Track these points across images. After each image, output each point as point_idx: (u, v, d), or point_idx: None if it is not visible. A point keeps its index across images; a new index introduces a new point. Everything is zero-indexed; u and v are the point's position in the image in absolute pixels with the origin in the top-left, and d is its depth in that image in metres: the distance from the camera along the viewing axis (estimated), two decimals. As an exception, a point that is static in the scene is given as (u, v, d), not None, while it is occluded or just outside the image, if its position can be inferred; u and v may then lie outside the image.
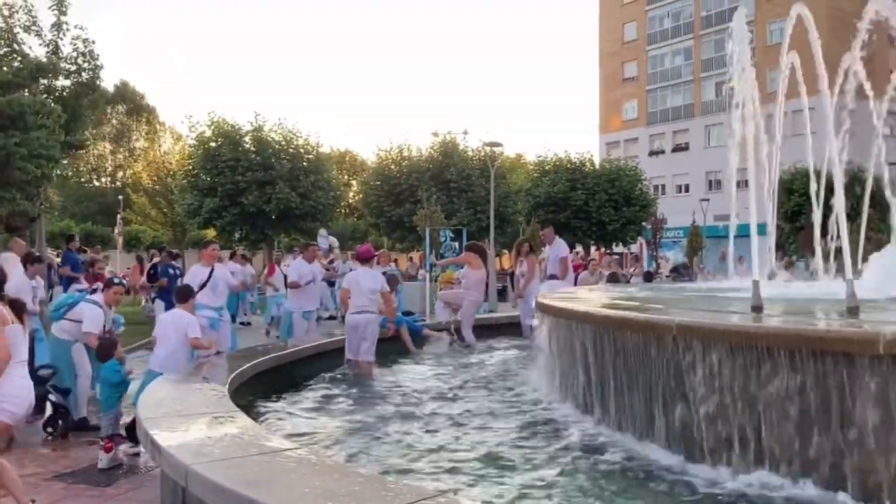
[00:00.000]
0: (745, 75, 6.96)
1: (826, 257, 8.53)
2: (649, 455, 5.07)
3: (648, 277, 17.42)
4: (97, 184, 70.29)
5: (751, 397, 4.45)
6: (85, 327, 8.01)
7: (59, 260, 16.99)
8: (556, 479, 4.74)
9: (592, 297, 7.69)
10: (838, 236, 6.43)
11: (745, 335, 4.46)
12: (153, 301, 15.03)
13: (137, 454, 7.01)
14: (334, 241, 22.31)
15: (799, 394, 4.22)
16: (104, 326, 8.16)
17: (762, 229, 8.80)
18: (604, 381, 5.73)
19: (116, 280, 9.10)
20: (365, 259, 9.83)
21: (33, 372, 7.70)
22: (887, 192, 8.76)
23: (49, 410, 8.14)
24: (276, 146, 35.22)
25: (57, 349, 8.44)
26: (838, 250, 9.06)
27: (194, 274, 10.07)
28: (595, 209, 39.93)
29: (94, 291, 9.08)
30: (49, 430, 7.94)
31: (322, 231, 23.63)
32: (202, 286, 9.61)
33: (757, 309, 5.29)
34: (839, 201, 5.88)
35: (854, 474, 4.05)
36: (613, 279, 13.79)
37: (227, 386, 5.87)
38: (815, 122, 9.58)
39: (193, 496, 3.76)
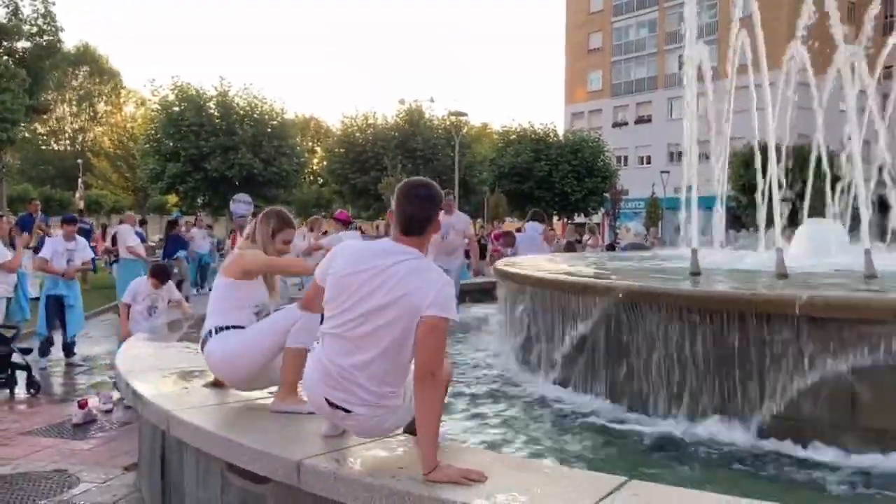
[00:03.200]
0: (691, 54, 7.32)
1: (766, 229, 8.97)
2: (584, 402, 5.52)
3: (611, 248, 17.93)
4: (56, 147, 69.03)
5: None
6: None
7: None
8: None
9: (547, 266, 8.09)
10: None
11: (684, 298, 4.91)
12: (111, 265, 15.15)
13: (110, 410, 7.31)
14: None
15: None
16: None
17: (710, 202, 9.26)
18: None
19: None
20: (346, 223, 10.57)
21: None
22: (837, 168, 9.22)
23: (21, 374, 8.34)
24: (241, 112, 35.02)
25: None
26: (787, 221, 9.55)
27: None
28: (558, 180, 40.46)
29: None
30: (32, 391, 8.17)
31: (242, 196, 23.25)
32: None
33: (695, 274, 5.73)
34: (772, 174, 6.32)
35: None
36: (570, 249, 14.22)
37: (200, 343, 6.17)
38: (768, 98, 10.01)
39: (173, 439, 4.09)
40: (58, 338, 10.10)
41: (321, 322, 3.35)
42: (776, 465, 4.22)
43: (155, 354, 5.78)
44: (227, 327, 4.15)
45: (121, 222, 15.98)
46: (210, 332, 4.17)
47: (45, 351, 9.85)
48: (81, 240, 10.43)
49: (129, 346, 6.24)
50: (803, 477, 4.05)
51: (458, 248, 10.92)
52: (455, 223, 10.67)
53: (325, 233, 17.35)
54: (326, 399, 3.13)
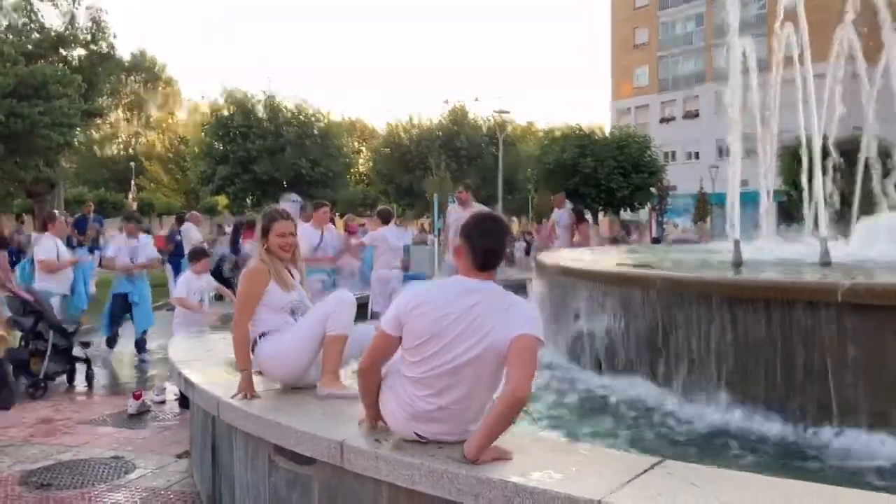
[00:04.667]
0: (732, 49, 7.28)
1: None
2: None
3: (656, 242, 17.79)
4: (110, 152, 70.78)
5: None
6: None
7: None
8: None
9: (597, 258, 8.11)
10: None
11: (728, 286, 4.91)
12: (163, 264, 15.41)
13: (163, 401, 7.57)
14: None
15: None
16: None
17: (752, 196, 9.15)
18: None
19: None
20: (387, 219, 10.65)
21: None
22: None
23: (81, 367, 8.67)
24: (288, 114, 35.59)
25: None
26: (838, 213, 9.40)
27: (306, 235, 9.37)
28: (604, 176, 40.08)
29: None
30: (88, 383, 8.49)
31: (292, 195, 23.54)
32: (315, 248, 9.30)
33: (737, 265, 5.71)
34: (816, 168, 6.26)
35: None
36: (614, 244, 14.20)
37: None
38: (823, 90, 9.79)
39: (224, 424, 4.26)
40: (128, 333, 10.28)
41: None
42: (815, 452, 4.22)
43: (205, 346, 5.97)
44: (267, 333, 4.27)
45: (182, 221, 16.05)
46: (254, 340, 4.29)
47: (111, 343, 10.17)
48: (144, 237, 10.49)
49: (180, 338, 6.45)
50: (844, 464, 4.04)
51: None
52: (463, 218, 10.35)
53: (363, 225, 17.55)
54: (418, 433, 3.16)
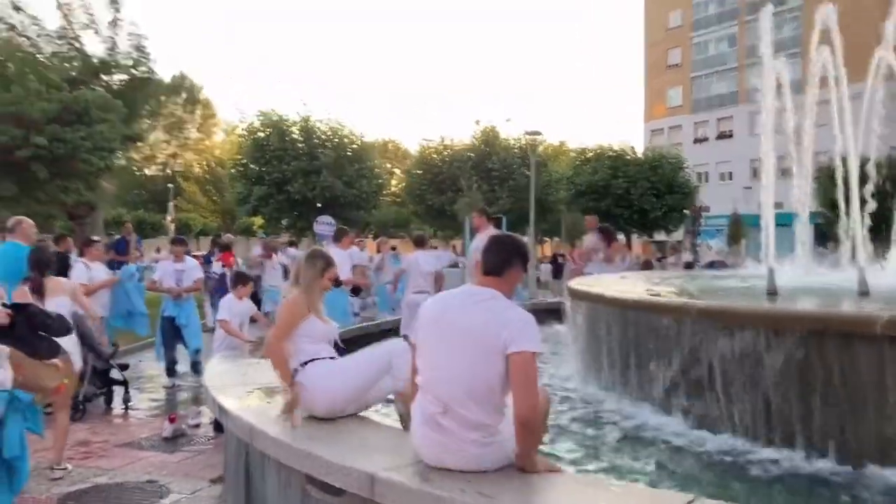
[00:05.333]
0: (765, 72, 7.25)
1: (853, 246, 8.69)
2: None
3: (689, 267, 17.62)
4: (148, 172, 72.06)
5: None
6: None
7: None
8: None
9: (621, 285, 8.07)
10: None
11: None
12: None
13: (198, 425, 7.66)
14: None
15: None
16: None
17: (788, 218, 9.02)
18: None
19: None
20: (421, 243, 10.70)
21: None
22: None
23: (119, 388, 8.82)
24: (322, 136, 35.97)
25: None
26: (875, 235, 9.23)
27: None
28: (637, 197, 39.87)
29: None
30: (125, 405, 8.63)
31: (325, 218, 23.77)
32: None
33: (771, 294, 5.65)
34: (853, 191, 6.19)
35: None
36: (647, 268, 14.08)
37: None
38: (859, 112, 9.66)
39: (257, 452, 4.31)
40: (182, 356, 10.34)
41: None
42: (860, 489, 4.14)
43: (240, 371, 6.05)
44: (309, 362, 4.45)
45: (216, 244, 16.02)
46: (296, 369, 4.44)
47: (170, 371, 10.21)
48: (191, 260, 10.64)
49: (215, 362, 6.54)
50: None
51: None
52: (477, 243, 9.66)
53: (394, 248, 17.66)
54: (424, 451, 3.35)
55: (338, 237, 10.72)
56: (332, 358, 4.57)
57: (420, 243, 10.84)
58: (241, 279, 8.23)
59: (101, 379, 8.66)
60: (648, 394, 5.69)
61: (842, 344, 4.37)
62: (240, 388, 5.24)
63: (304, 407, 4.38)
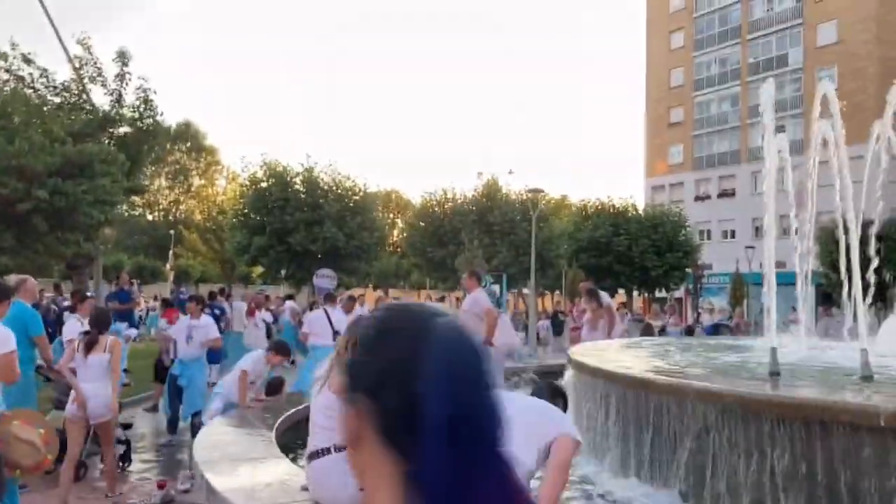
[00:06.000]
0: (770, 139, 7.29)
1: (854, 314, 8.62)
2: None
3: (690, 332, 17.38)
4: (150, 218, 72.42)
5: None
6: None
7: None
8: None
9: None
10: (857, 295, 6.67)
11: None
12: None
13: (187, 491, 7.47)
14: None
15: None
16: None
17: (790, 277, 8.96)
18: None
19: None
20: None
21: None
22: None
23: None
24: (325, 187, 36.08)
25: None
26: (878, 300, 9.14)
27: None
28: (638, 254, 39.91)
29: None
30: (122, 464, 8.47)
31: (326, 271, 23.81)
32: None
33: (774, 375, 5.55)
34: (854, 258, 6.15)
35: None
36: (647, 331, 13.95)
37: (273, 431, 6.31)
38: (860, 172, 9.68)
39: (244, 537, 4.18)
40: None
41: None
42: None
43: (233, 441, 5.92)
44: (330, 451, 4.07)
45: (214, 297, 15.76)
46: (323, 450, 4.05)
47: (171, 428, 10.06)
48: (206, 318, 10.42)
49: (208, 432, 6.41)
50: None
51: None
52: (464, 304, 9.85)
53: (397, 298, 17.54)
54: None
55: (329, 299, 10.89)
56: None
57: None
58: (281, 349, 8.47)
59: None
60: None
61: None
62: (230, 464, 5.11)
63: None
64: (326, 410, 3.98)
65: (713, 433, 5.05)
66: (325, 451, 4.00)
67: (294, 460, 5.77)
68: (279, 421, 6.82)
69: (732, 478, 4.91)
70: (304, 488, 4.40)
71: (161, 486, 7.23)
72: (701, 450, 5.17)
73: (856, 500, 4.31)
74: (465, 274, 10.61)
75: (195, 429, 9.62)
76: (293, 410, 7.55)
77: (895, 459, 4.17)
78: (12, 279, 8.53)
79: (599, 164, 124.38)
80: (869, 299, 8.43)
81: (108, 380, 7.06)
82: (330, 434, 3.94)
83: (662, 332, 15.58)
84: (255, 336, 12.90)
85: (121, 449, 8.54)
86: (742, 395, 4.92)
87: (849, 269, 7.28)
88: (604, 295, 13.13)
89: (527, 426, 3.43)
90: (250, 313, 13.69)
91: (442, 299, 24.75)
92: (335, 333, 11.10)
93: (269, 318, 14.06)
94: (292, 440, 7.01)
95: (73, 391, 7.16)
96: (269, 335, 13.33)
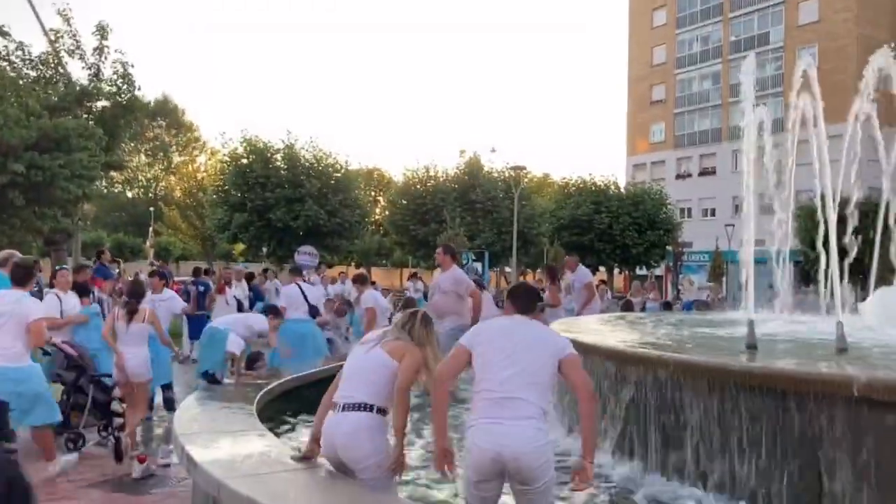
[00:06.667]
0: (747, 115, 7.32)
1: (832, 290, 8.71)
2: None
3: (667, 307, 17.57)
4: (130, 195, 71.73)
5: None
6: None
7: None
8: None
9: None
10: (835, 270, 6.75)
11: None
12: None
13: (168, 465, 7.47)
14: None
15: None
16: None
17: (767, 255, 9.05)
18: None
19: None
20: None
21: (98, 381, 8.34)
22: None
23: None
24: (307, 164, 35.86)
25: None
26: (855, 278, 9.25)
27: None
28: (619, 232, 40.13)
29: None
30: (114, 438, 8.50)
31: (307, 248, 23.83)
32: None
33: (751, 347, 5.61)
34: (831, 235, 6.22)
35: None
36: (627, 308, 14.05)
37: (255, 404, 6.30)
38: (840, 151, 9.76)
39: (224, 506, 4.17)
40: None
41: None
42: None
43: (212, 415, 5.91)
44: (386, 411, 4.18)
45: (199, 273, 15.58)
46: (367, 405, 4.13)
47: (149, 405, 10.05)
48: (168, 292, 10.66)
49: (188, 405, 6.40)
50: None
51: (448, 312, 9.07)
52: (441, 282, 9.28)
53: (415, 274, 17.65)
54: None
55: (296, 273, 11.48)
56: None
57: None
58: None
59: (101, 411, 8.52)
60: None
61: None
62: (210, 436, 5.10)
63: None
64: (381, 369, 4.22)
65: (686, 405, 5.11)
66: (367, 407, 4.10)
67: (277, 434, 5.80)
68: (259, 395, 6.81)
69: (706, 448, 4.98)
70: (296, 457, 4.44)
71: (141, 461, 7.20)
72: (674, 422, 5.23)
73: (831, 470, 4.39)
74: (438, 249, 9.73)
75: (168, 403, 9.86)
76: (275, 384, 7.54)
77: (868, 429, 4.25)
78: (1, 254, 8.67)
79: (582, 142, 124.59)
80: (846, 276, 8.51)
81: (146, 345, 8.17)
82: (377, 390, 4.16)
83: (643, 308, 15.71)
84: (225, 313, 11.75)
85: (118, 421, 8.55)
86: (719, 367, 4.98)
87: (826, 245, 7.35)
88: (585, 271, 13.22)
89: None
90: (220, 290, 13.23)
91: (415, 275, 24.68)
92: (311, 307, 11.05)
93: (240, 294, 13.53)
94: (273, 414, 7.02)
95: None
96: (240, 311, 12.95)
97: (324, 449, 4.25)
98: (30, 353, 7.00)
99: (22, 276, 7.12)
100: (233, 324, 8.64)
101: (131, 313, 8.14)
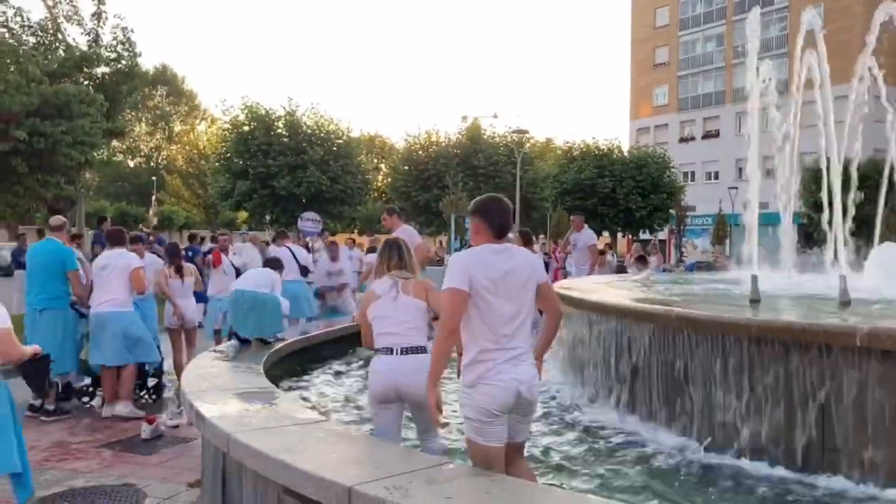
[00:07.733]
0: (750, 72, 7.26)
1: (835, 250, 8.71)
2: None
3: (642, 261, 16.83)
4: (132, 164, 71.55)
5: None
6: None
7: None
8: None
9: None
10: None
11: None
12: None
13: (177, 426, 7.56)
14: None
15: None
16: None
17: (773, 218, 9.05)
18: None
19: None
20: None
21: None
22: None
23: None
24: (308, 131, 35.72)
25: None
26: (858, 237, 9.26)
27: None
28: (622, 196, 40.00)
29: None
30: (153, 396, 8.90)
31: (310, 214, 23.78)
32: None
33: (754, 302, 5.65)
34: (836, 193, 6.21)
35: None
36: (641, 262, 14.17)
37: (262, 364, 6.37)
38: (845, 112, 9.69)
39: (233, 461, 4.24)
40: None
41: None
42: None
43: (220, 374, 5.98)
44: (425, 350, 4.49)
45: (194, 239, 15.82)
46: (419, 347, 4.50)
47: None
48: (150, 256, 10.50)
49: (196, 365, 6.46)
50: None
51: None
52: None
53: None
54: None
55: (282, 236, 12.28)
56: None
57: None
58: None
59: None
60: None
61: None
62: (218, 393, 5.16)
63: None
64: (417, 312, 4.58)
65: (691, 358, 5.16)
66: (423, 349, 4.49)
67: (286, 389, 5.87)
68: (267, 354, 6.88)
69: (711, 400, 5.03)
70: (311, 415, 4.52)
71: (150, 422, 7.30)
72: (682, 376, 5.28)
73: (830, 417, 4.44)
74: (383, 215, 9.63)
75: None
76: (282, 345, 7.61)
77: (871, 378, 4.29)
78: (53, 220, 8.94)
79: (585, 107, 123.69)
80: (849, 231, 8.50)
81: (192, 297, 9.48)
82: (423, 334, 4.59)
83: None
84: (222, 283, 11.02)
85: (152, 382, 8.97)
86: (723, 321, 5.01)
87: (830, 203, 7.35)
88: (590, 233, 13.22)
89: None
90: (215, 263, 11.68)
91: (373, 248, 24.15)
92: (302, 268, 11.76)
93: (237, 261, 12.76)
94: (281, 373, 7.10)
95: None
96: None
97: (379, 387, 4.50)
98: (132, 299, 8.13)
99: (116, 236, 8.42)
100: (266, 286, 8.23)
101: (179, 270, 9.22)
